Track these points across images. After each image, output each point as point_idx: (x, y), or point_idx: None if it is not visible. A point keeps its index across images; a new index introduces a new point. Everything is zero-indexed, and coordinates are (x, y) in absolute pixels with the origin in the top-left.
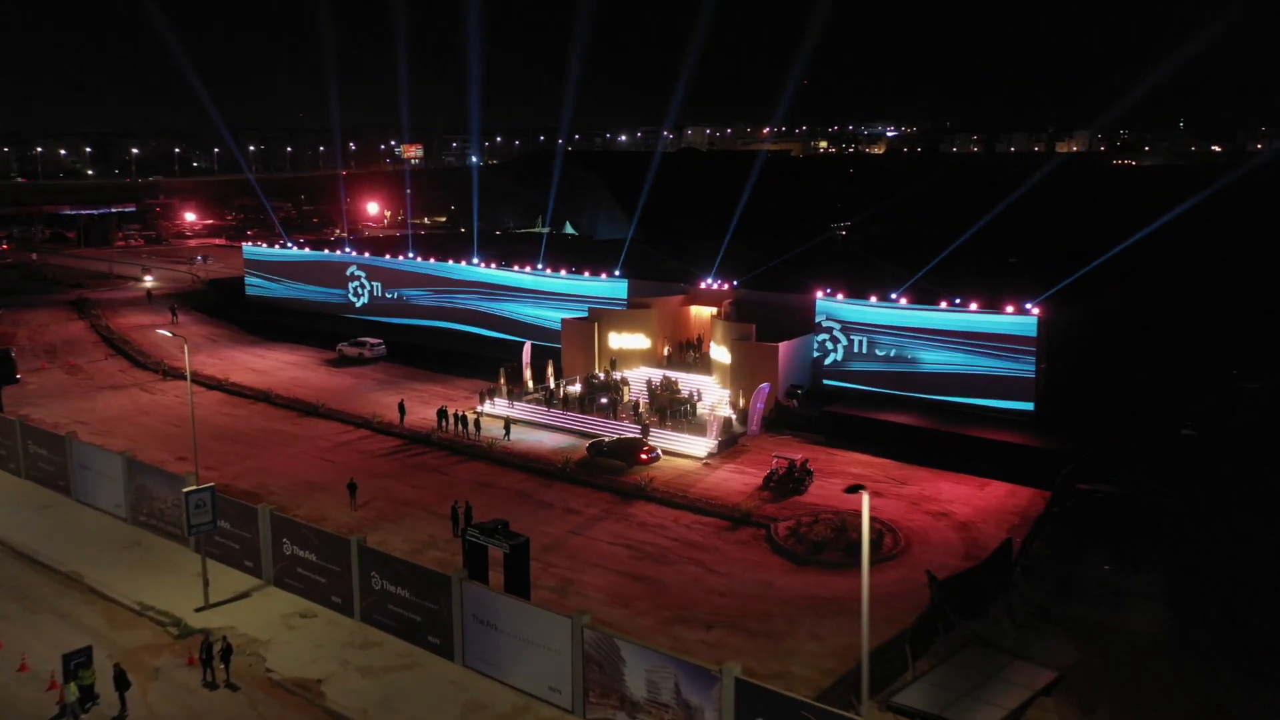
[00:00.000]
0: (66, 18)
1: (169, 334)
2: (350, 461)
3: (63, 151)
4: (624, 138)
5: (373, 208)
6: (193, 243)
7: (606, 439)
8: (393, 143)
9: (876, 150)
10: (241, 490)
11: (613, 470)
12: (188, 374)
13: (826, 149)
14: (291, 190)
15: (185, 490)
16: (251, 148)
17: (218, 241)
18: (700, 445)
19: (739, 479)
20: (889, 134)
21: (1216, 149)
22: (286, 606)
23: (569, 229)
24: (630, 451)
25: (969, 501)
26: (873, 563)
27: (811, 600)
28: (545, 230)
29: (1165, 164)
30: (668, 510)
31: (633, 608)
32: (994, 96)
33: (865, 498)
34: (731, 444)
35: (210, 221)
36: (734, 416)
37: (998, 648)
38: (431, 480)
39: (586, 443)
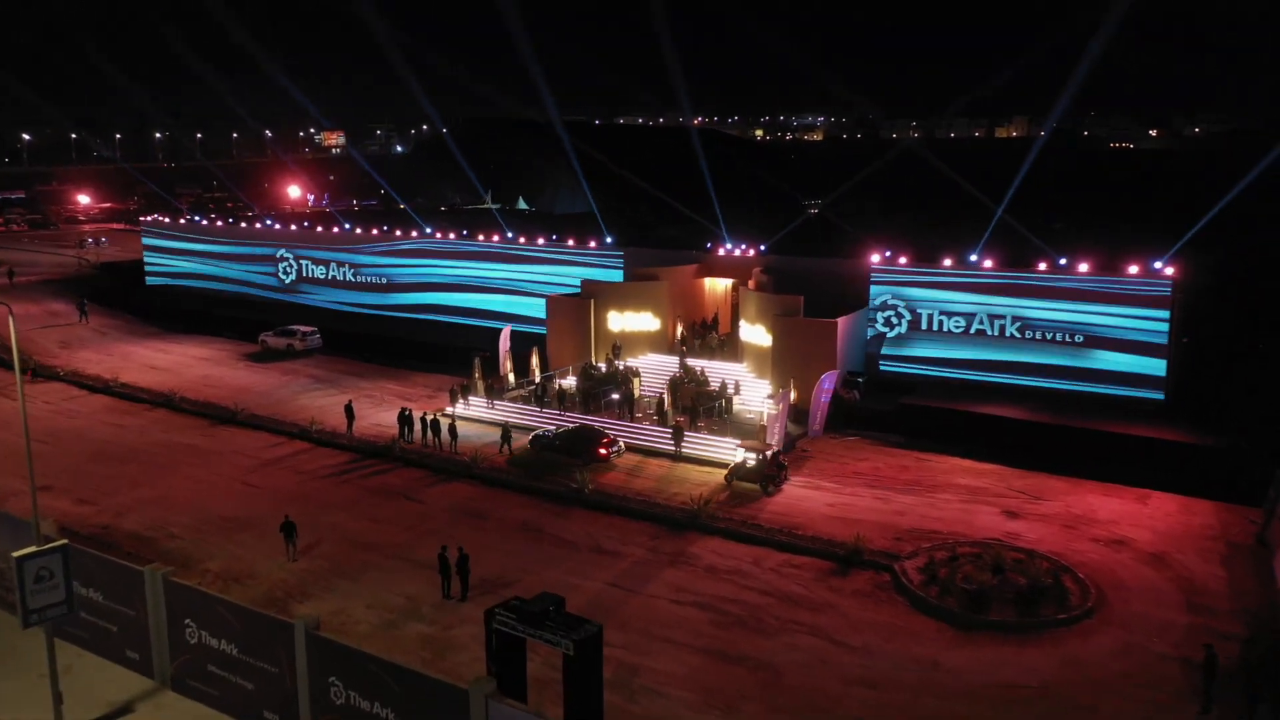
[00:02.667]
0: None
1: None
2: (283, 486)
3: None
4: None
5: (294, 191)
6: (87, 227)
7: (551, 430)
8: (311, 130)
9: (816, 137)
10: (127, 533)
11: (566, 468)
12: (14, 357)
13: (763, 137)
14: (203, 178)
15: (18, 555)
16: (159, 135)
17: (115, 225)
18: (754, 453)
19: (818, 497)
20: (818, 122)
21: (1153, 133)
22: None
23: (521, 204)
24: (587, 445)
25: (1139, 521)
26: (1062, 622)
27: (1006, 691)
28: (495, 207)
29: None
30: (740, 546)
31: (740, 713)
32: (921, 85)
33: None
34: (789, 449)
35: (108, 205)
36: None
37: None
38: (399, 511)
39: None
